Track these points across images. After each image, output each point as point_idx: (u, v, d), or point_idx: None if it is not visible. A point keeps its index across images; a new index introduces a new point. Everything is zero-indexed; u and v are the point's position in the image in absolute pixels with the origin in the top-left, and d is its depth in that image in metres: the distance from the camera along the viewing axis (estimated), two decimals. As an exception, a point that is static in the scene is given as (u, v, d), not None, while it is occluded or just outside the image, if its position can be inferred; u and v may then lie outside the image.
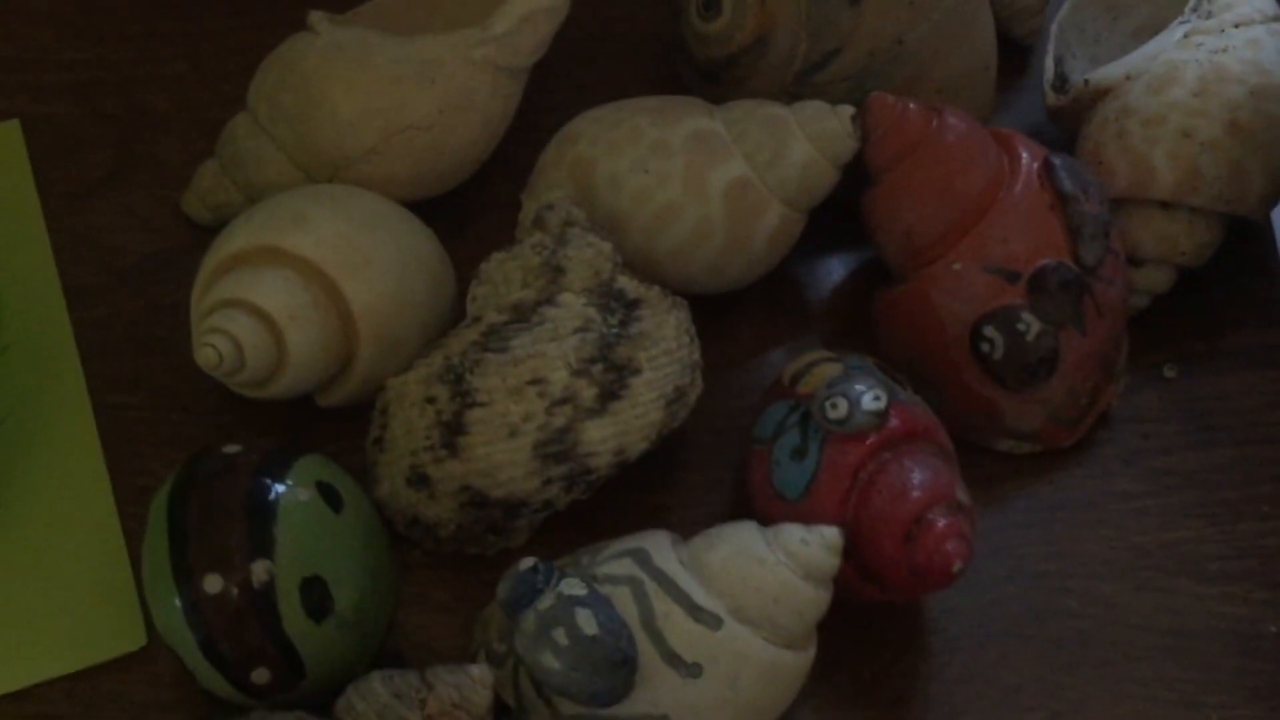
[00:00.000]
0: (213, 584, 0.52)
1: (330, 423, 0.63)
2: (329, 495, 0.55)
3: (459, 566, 0.60)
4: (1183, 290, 0.67)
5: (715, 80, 0.67)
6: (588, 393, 0.56)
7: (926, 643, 0.60)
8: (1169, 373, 0.66)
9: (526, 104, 0.68)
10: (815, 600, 0.53)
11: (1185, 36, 0.66)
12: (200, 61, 0.73)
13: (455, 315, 0.63)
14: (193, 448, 0.58)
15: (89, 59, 0.73)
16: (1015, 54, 0.74)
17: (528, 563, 0.53)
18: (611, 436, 0.56)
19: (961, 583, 0.56)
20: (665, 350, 0.58)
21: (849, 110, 0.63)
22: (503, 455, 0.56)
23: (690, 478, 0.63)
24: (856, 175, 0.64)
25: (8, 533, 0.60)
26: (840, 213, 0.65)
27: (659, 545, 0.54)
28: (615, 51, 0.74)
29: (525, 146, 0.68)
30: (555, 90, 0.71)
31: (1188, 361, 0.67)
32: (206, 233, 0.66)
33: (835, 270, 0.69)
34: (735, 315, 0.67)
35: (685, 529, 0.57)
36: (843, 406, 0.56)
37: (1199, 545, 0.62)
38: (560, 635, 0.51)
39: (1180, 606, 0.61)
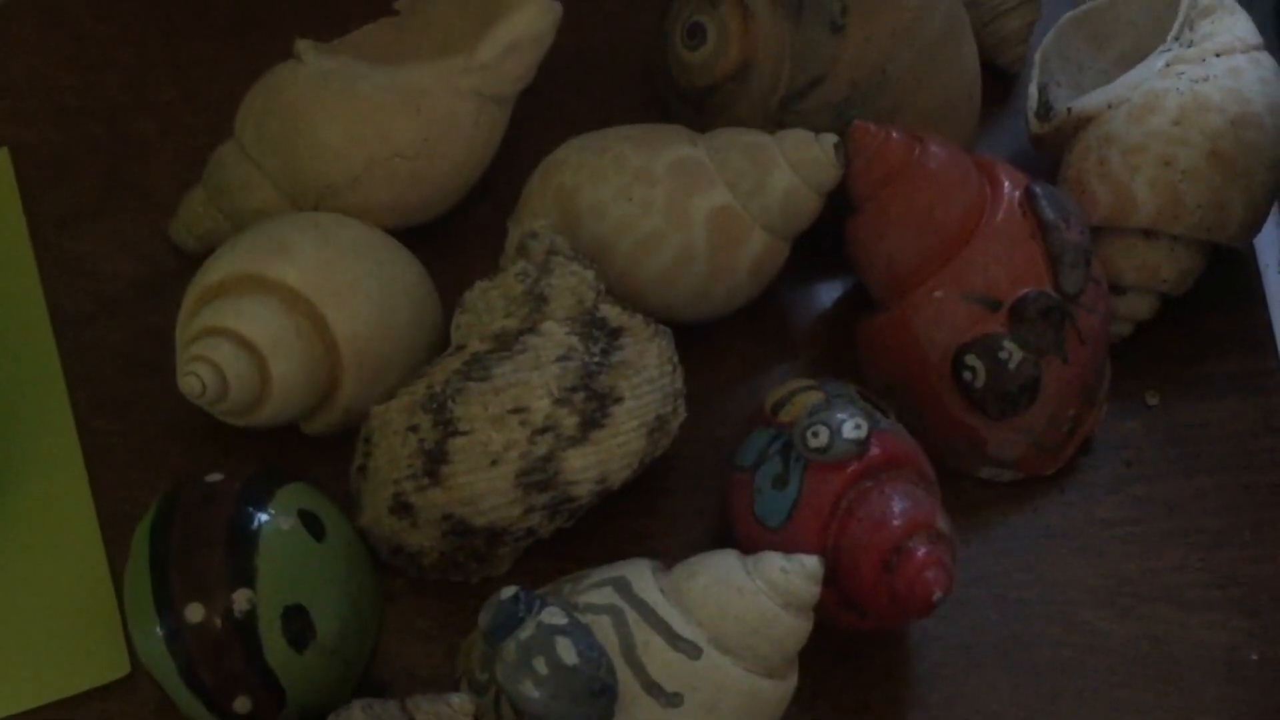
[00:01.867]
0: (194, 613, 0.52)
1: (314, 449, 0.63)
2: (311, 524, 0.55)
3: (442, 594, 0.60)
4: (1165, 318, 0.67)
5: (699, 108, 0.67)
6: (569, 421, 0.56)
7: (908, 670, 0.60)
8: (1151, 400, 0.66)
9: (511, 130, 0.68)
10: (795, 629, 0.53)
11: (1167, 65, 0.66)
12: (188, 89, 0.74)
13: (440, 342, 0.63)
14: (177, 474, 0.58)
15: (77, 86, 0.74)
16: (999, 81, 0.75)
17: (509, 591, 0.53)
18: (593, 465, 0.57)
19: (943, 610, 0.56)
20: (647, 379, 0.58)
21: (832, 139, 0.63)
22: (485, 484, 0.56)
23: (672, 504, 0.64)
24: (839, 203, 0.64)
25: (-7, 559, 0.60)
26: (823, 240, 0.65)
27: (640, 574, 0.54)
28: (600, 78, 0.74)
29: (510, 172, 0.68)
30: (540, 117, 0.71)
31: (1170, 389, 0.67)
32: (193, 260, 0.67)
33: (818, 297, 0.69)
34: (718, 342, 0.67)
35: (667, 556, 0.57)
36: (824, 435, 0.56)
37: (1181, 573, 0.62)
38: (540, 664, 0.51)
39: (1162, 634, 0.61)
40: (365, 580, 0.56)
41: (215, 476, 0.55)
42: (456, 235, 0.69)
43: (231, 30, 0.75)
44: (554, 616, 0.52)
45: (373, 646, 0.56)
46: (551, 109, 0.72)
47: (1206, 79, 0.65)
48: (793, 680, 0.55)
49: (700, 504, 0.63)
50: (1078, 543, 0.63)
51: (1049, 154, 0.70)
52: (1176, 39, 0.67)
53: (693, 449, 0.64)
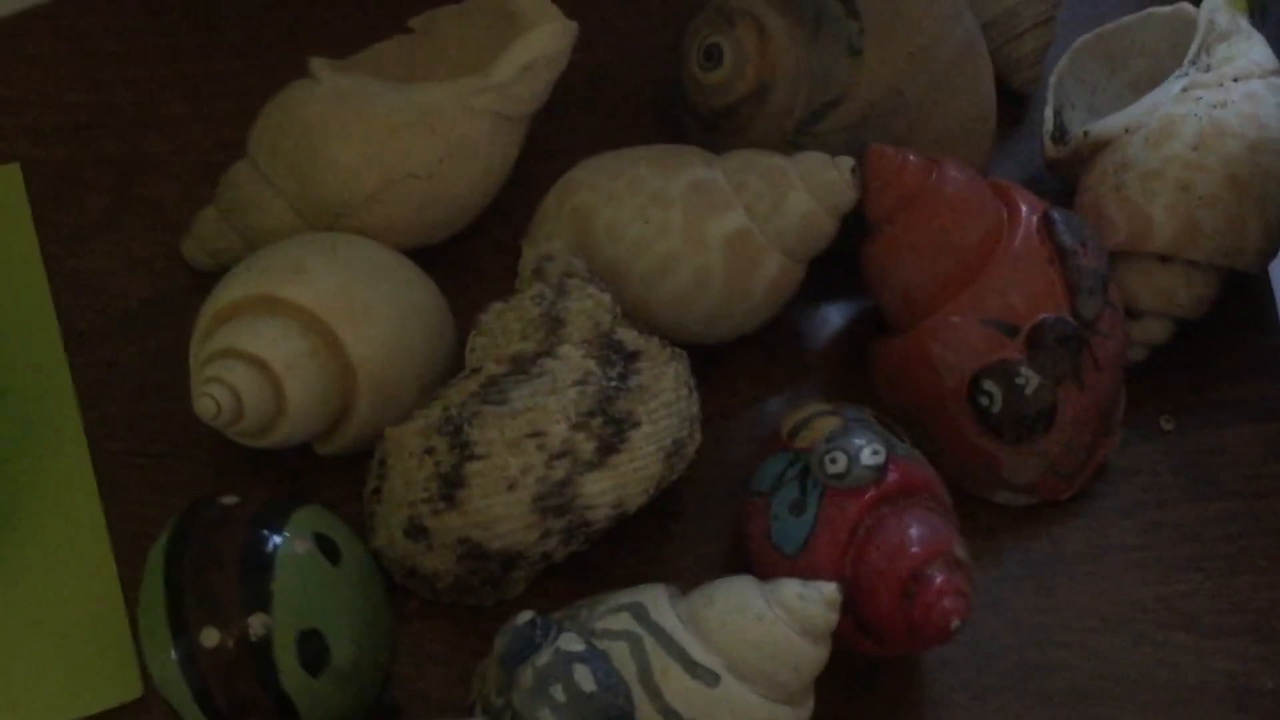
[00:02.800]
0: (209, 637, 0.52)
1: (326, 470, 0.63)
2: (326, 547, 0.55)
3: (456, 617, 0.60)
4: (1180, 343, 0.67)
5: (715, 129, 0.67)
6: (586, 446, 0.56)
7: (922, 696, 0.60)
8: (1166, 425, 0.66)
9: (525, 150, 0.68)
10: (813, 656, 0.53)
11: (1184, 90, 0.66)
12: (200, 105, 0.73)
13: (454, 363, 0.63)
14: (189, 495, 0.58)
15: (89, 102, 0.73)
16: (1012, 104, 0.74)
17: (525, 617, 0.53)
18: (610, 490, 0.56)
19: (958, 635, 0.56)
20: (664, 403, 0.58)
21: (849, 162, 0.63)
22: (501, 508, 0.56)
23: (686, 528, 0.63)
24: (855, 225, 0.64)
25: (5, 579, 0.59)
26: (838, 262, 0.65)
27: (657, 600, 0.54)
28: (615, 99, 0.74)
29: (524, 192, 0.68)
30: (554, 137, 0.71)
31: (1185, 414, 0.67)
32: (205, 277, 0.66)
33: (832, 320, 0.69)
34: (732, 365, 0.67)
35: (681, 579, 0.57)
36: (841, 461, 0.56)
37: (1195, 599, 0.62)
38: (558, 691, 0.51)
39: (1176, 660, 0.61)
40: (379, 604, 0.56)
41: (230, 499, 0.55)
42: (468, 255, 0.69)
43: (243, 47, 0.75)
44: (571, 643, 0.52)
45: (386, 671, 0.56)
46: (563, 128, 0.72)
47: (1224, 104, 0.65)
48: (809, 706, 0.54)
49: (713, 527, 0.63)
50: (1092, 568, 0.63)
51: (1063, 177, 0.69)
52: (1193, 63, 0.67)
53: (705, 471, 0.63)
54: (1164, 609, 0.62)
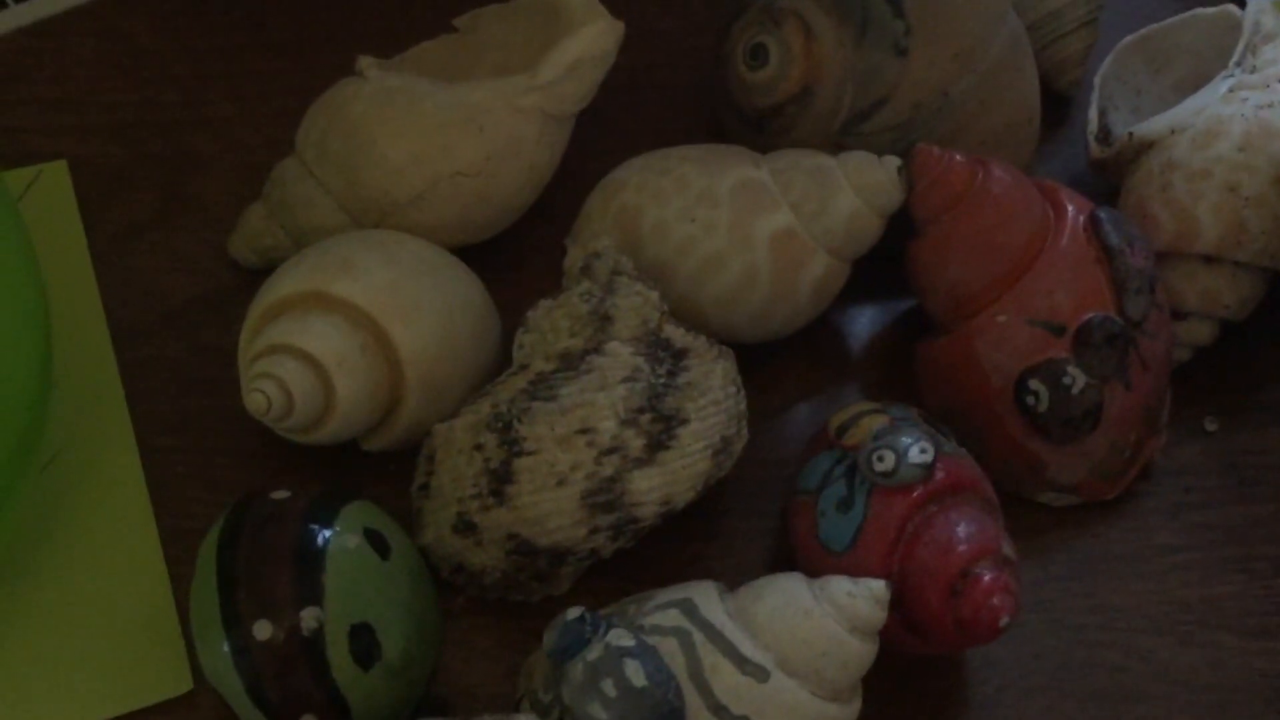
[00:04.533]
0: (262, 630, 0.52)
1: (372, 466, 0.63)
2: (376, 542, 0.55)
3: (502, 613, 0.60)
4: (1224, 343, 0.67)
5: (759, 129, 0.67)
6: (636, 443, 0.56)
7: (968, 695, 0.60)
8: (1210, 426, 0.66)
9: (568, 149, 0.68)
10: (861, 653, 0.53)
11: (1230, 91, 0.66)
12: (245, 103, 0.74)
13: (500, 360, 0.63)
14: (236, 491, 0.58)
15: (135, 101, 0.74)
16: (1056, 104, 0.74)
17: (575, 612, 0.53)
18: (659, 486, 0.57)
19: (1003, 635, 0.56)
20: (712, 400, 0.58)
21: (895, 161, 0.63)
22: (550, 504, 0.56)
23: (731, 525, 0.63)
24: (899, 223, 0.64)
25: (55, 573, 0.60)
26: (881, 261, 0.65)
27: (706, 596, 0.54)
28: (657, 98, 0.75)
29: (567, 191, 0.68)
30: (597, 136, 0.71)
31: (1229, 415, 0.67)
32: (252, 275, 0.67)
33: (876, 318, 0.69)
34: (776, 363, 0.67)
35: (726, 577, 0.57)
36: (889, 459, 0.56)
37: (1240, 600, 0.62)
38: (609, 686, 0.51)
39: (1222, 661, 0.60)
40: (428, 599, 0.56)
41: (281, 494, 0.55)
42: (513, 253, 0.69)
43: (288, 46, 0.76)
44: (621, 638, 0.52)
45: (434, 666, 0.56)
46: (606, 127, 0.72)
47: (1271, 105, 0.64)
48: (857, 704, 0.54)
49: (758, 525, 0.63)
50: (1137, 569, 0.63)
51: (1107, 178, 0.69)
52: (1239, 64, 0.67)
53: (749, 469, 0.63)
54: (1209, 610, 0.62)
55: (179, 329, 0.67)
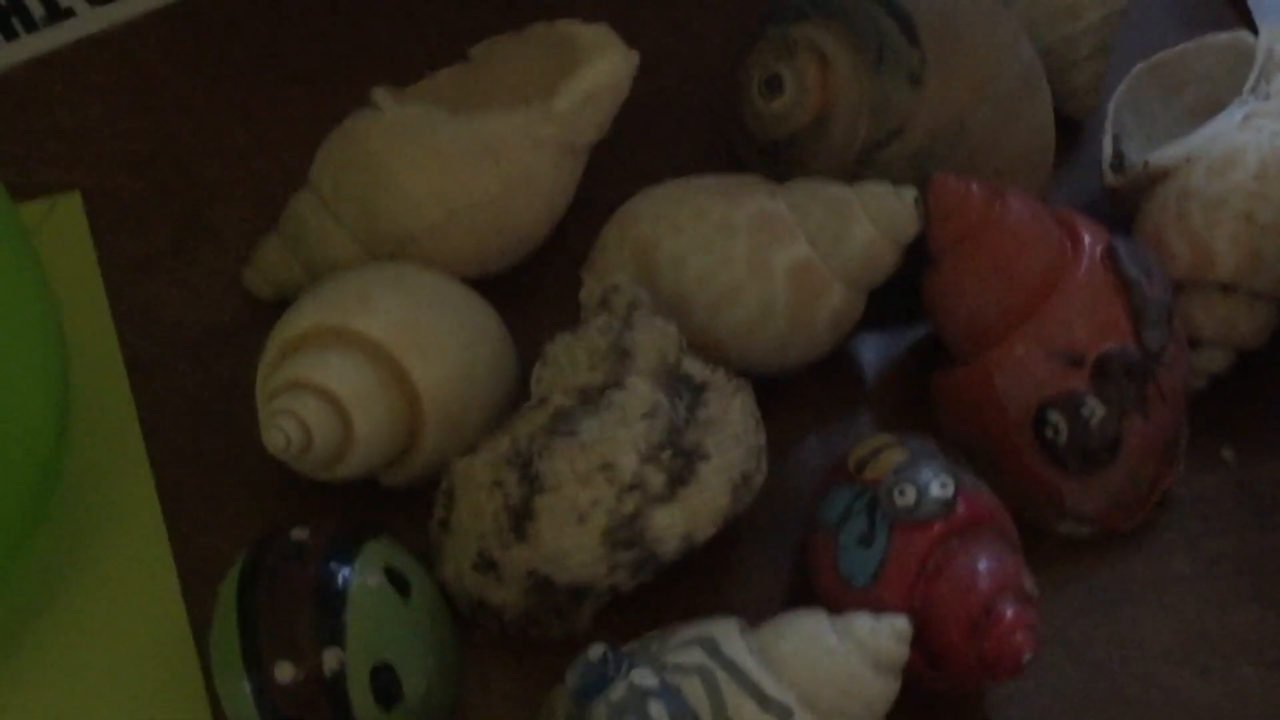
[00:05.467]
0: (284, 672, 0.52)
1: (389, 501, 0.63)
2: (397, 581, 0.55)
3: (521, 649, 0.60)
4: (1240, 372, 0.67)
5: (775, 159, 0.67)
6: (656, 479, 0.56)
7: (989, 729, 0.60)
8: (1226, 455, 0.66)
9: (582, 178, 0.68)
10: (884, 691, 0.53)
11: (1245, 119, 0.66)
12: (259, 133, 0.74)
13: (517, 393, 0.63)
14: (254, 525, 0.58)
15: (148, 130, 0.74)
16: (1068, 130, 0.74)
17: (597, 651, 0.52)
18: (680, 522, 0.56)
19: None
20: (732, 435, 0.58)
21: (912, 192, 0.63)
22: (571, 541, 0.56)
23: (749, 558, 0.63)
24: (913, 253, 0.64)
25: (71, 611, 0.60)
26: (896, 290, 0.65)
27: (728, 633, 0.54)
28: (671, 126, 0.74)
29: (581, 220, 0.68)
30: (611, 164, 0.71)
31: (1245, 443, 0.67)
32: (267, 307, 0.67)
33: (892, 348, 0.69)
34: (792, 393, 0.67)
35: (745, 609, 0.57)
36: (910, 494, 0.56)
37: (1259, 630, 0.62)
38: (632, 727, 0.51)
39: (1243, 692, 0.60)
40: (447, 636, 0.56)
41: (300, 532, 0.55)
42: (527, 283, 0.69)
43: (301, 74, 0.75)
44: (644, 678, 0.52)
45: (454, 704, 0.56)
46: (620, 155, 0.72)
47: (1287, 133, 0.65)
48: (879, 742, 0.54)
49: (775, 557, 0.63)
50: (1155, 599, 0.63)
51: (1122, 206, 0.69)
52: (1253, 92, 0.67)
53: (766, 499, 0.63)
54: (1228, 640, 0.62)
55: (194, 361, 0.67)
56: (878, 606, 0.55)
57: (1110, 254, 0.62)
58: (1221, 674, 0.61)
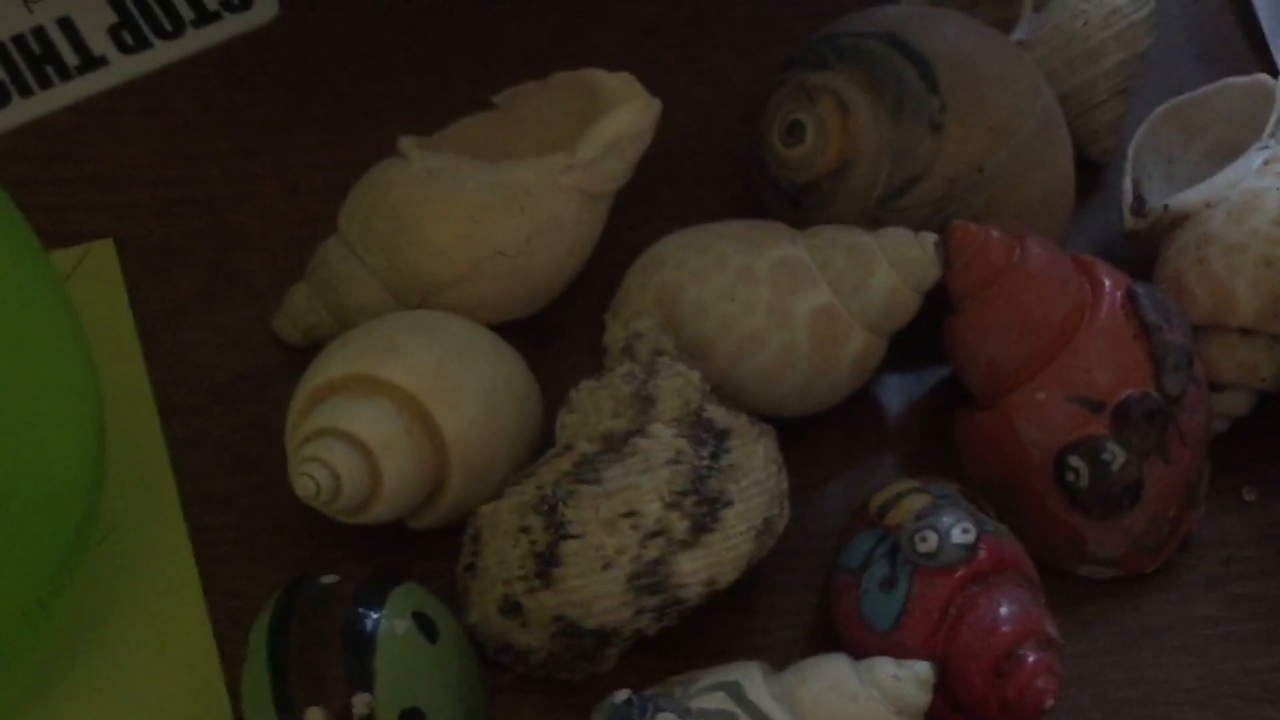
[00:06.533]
0: (314, 716, 0.52)
1: (419, 542, 0.64)
2: (425, 626, 0.55)
3: (546, 691, 0.61)
4: (1261, 413, 0.67)
5: (795, 204, 0.68)
6: (680, 525, 0.57)
7: (1011, 771, 0.60)
8: (1248, 496, 0.66)
9: (606, 223, 0.69)
10: (907, 736, 0.54)
11: (1265, 163, 0.66)
12: (288, 179, 0.74)
13: (542, 438, 0.64)
14: (285, 569, 0.59)
15: (179, 177, 0.75)
16: (1088, 172, 0.75)
17: (622, 696, 0.53)
18: (703, 568, 0.57)
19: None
20: (755, 481, 0.58)
21: (932, 238, 0.64)
22: (597, 587, 0.57)
23: (771, 600, 0.64)
24: (936, 295, 0.65)
25: (105, 655, 0.60)
26: (916, 333, 0.66)
27: (751, 678, 0.55)
28: (693, 172, 0.75)
29: (604, 263, 0.69)
30: (634, 208, 0.72)
31: (1267, 484, 0.67)
32: (297, 352, 0.67)
33: (913, 390, 0.70)
34: (814, 436, 0.67)
35: (766, 652, 0.58)
36: (932, 539, 0.57)
37: (1281, 673, 0.62)
38: (656, 771, 0.51)
39: (1265, 735, 0.61)
40: (474, 680, 0.57)
41: (330, 578, 0.56)
42: (552, 326, 0.70)
43: (330, 122, 0.76)
44: (669, 723, 0.52)
45: (481, 746, 0.57)
46: (642, 199, 0.72)
47: (1306, 178, 0.65)
48: (902, 786, 0.55)
49: (797, 600, 0.64)
50: (1178, 641, 0.63)
51: (1141, 249, 0.70)
52: (1273, 136, 0.67)
53: (788, 542, 0.63)
54: (1251, 683, 0.62)
55: (226, 406, 0.68)
56: (900, 651, 0.55)
57: (1130, 299, 0.62)
58: (1245, 716, 0.61)
